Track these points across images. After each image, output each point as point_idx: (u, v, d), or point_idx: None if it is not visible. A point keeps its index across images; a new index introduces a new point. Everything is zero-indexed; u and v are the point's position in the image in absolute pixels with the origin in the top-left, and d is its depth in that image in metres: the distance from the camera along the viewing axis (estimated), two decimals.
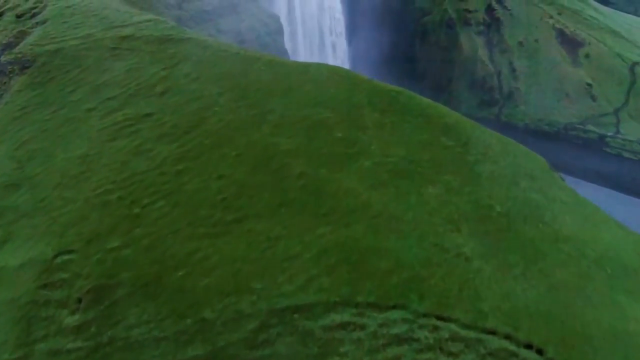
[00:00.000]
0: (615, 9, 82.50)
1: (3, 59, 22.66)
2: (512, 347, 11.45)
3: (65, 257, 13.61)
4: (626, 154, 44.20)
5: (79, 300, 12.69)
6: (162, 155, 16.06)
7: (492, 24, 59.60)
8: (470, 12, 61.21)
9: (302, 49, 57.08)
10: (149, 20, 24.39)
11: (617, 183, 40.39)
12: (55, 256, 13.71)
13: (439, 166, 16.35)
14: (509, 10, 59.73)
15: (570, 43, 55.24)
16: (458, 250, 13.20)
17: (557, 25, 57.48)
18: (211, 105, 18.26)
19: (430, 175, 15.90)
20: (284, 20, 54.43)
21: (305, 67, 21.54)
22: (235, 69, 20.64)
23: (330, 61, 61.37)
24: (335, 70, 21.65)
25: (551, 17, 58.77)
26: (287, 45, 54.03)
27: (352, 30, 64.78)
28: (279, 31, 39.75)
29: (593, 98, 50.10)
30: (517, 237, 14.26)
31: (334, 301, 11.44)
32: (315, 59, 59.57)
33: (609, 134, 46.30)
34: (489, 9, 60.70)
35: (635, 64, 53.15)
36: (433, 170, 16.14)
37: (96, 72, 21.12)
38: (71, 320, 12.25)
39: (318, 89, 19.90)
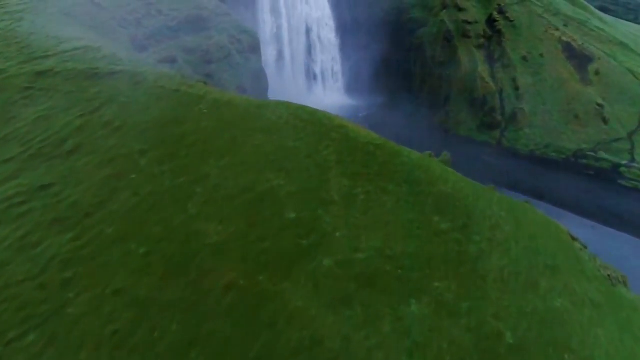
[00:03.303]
0: (615, 16, 78.50)
1: None
2: None
3: None
4: None
5: None
6: (50, 254, 11.64)
7: (494, 36, 54.82)
8: (469, 23, 56.41)
9: (289, 67, 52.76)
10: (78, 49, 20.04)
11: (637, 226, 35.43)
12: None
13: (427, 265, 11.93)
14: (512, 21, 54.90)
15: (579, 58, 50.59)
16: None
17: (564, 38, 52.88)
18: (128, 171, 13.89)
19: (415, 280, 11.48)
20: (269, 36, 50.15)
21: (259, 109, 17.16)
22: (169, 114, 16.29)
23: (320, 79, 57.19)
24: (297, 113, 17.25)
25: (557, 29, 54.17)
26: (272, 63, 49.71)
27: (345, 44, 60.44)
28: (254, 49, 35.36)
29: (605, 120, 45.22)
30: None
31: None
32: (303, 77, 55.40)
33: (624, 162, 41.34)
34: (490, 20, 55.96)
35: None
36: (420, 272, 11.72)
37: None
38: None
39: (272, 142, 15.54)
